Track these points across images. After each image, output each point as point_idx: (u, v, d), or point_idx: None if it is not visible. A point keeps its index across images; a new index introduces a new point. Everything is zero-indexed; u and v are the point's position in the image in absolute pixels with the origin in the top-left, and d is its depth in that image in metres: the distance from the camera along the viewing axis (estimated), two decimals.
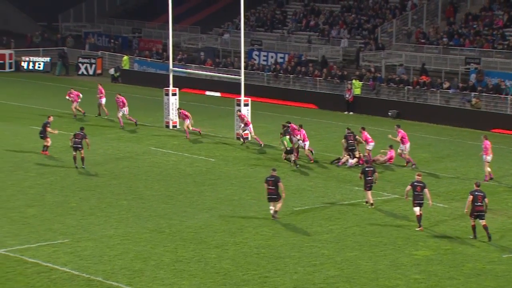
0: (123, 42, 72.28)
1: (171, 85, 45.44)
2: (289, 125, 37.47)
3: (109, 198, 30.62)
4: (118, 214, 28.64)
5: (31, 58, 66.68)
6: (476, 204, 26.15)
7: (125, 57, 64.97)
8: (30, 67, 66.23)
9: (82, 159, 34.75)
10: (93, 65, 65.68)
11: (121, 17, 78.05)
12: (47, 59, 66.79)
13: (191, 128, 41.42)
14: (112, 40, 72.01)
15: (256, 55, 62.77)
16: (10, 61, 66.02)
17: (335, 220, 28.61)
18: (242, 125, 40.74)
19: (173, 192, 31.75)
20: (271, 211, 28.50)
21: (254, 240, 26.14)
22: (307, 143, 37.12)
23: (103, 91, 46.52)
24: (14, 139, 39.60)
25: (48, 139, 36.79)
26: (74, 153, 34.71)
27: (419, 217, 27.43)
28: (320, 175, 35.12)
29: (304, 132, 37.09)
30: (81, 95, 45.61)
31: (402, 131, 36.79)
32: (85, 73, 65.55)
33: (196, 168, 35.78)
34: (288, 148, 36.59)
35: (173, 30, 46.23)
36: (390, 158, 36.85)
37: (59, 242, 25.45)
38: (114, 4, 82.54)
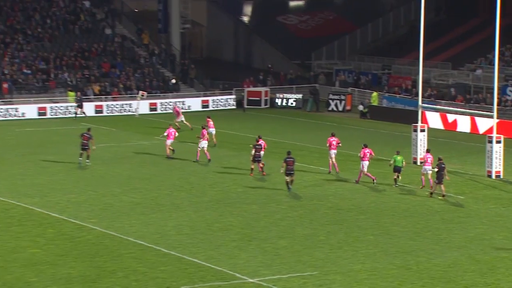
0: (372, 79, 72.46)
1: (419, 121, 44.83)
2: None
3: (356, 232, 30.50)
4: (365, 249, 28.43)
5: (284, 95, 68.40)
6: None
7: (374, 94, 65.02)
8: (283, 104, 67.92)
9: (291, 181, 36.15)
10: (343, 102, 66.27)
11: (371, 54, 78.35)
12: (299, 95, 68.24)
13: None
14: (355, 77, 72.39)
15: (510, 91, 60.60)
16: (266, 98, 68.10)
17: None
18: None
19: (421, 229, 31.09)
20: None
21: (507, 282, 24.96)
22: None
23: (211, 122, 47.35)
24: (267, 173, 40.53)
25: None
26: (287, 179, 36.22)
27: None
28: None
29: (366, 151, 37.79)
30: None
31: None
32: (334, 109, 66.26)
33: (445, 206, 34.89)
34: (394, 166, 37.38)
35: (423, 66, 45.66)
36: None
37: (308, 274, 25.63)
38: (366, 42, 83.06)
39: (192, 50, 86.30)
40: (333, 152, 40.41)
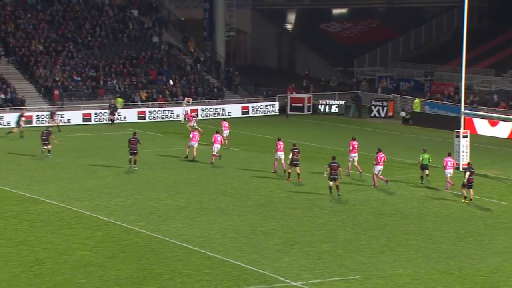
0: (414, 86, 72.02)
1: (462, 127, 44.44)
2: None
3: (398, 237, 30.30)
4: (408, 253, 28.23)
5: (327, 101, 68.26)
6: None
7: (417, 100, 64.57)
8: (326, 110, 67.77)
9: (337, 187, 36.27)
10: (385, 108, 65.90)
11: (414, 61, 77.89)
12: (342, 102, 68.05)
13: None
14: (394, 84, 71.95)
15: None
16: (309, 104, 67.98)
17: None
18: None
19: (463, 234, 30.79)
20: None
21: None
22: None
23: (226, 125, 48.82)
24: (310, 178, 40.52)
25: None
26: (331, 183, 36.26)
27: None
28: None
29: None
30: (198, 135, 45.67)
31: None
32: (377, 115, 65.92)
33: (487, 211, 34.51)
34: (421, 164, 39.03)
35: (466, 73, 45.27)
36: None
37: (351, 278, 25.53)
38: (408, 49, 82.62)
39: (237, 58, 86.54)
40: (354, 155, 40.89)
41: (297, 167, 39.68)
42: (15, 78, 64.44)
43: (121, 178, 40.40)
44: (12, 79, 63.73)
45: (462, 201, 35.92)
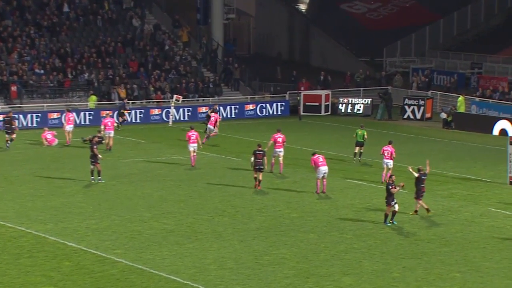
0: (458, 80, 72.10)
1: None
2: None
3: (438, 268, 30.35)
4: None
5: (349, 99, 68.32)
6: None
7: (461, 98, 64.61)
8: (348, 110, 67.85)
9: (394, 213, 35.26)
10: (421, 108, 65.93)
11: (457, 50, 78.01)
12: (368, 100, 68.11)
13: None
14: (426, 78, 72.03)
15: None
16: (326, 103, 68.04)
17: None
18: None
19: None
20: None
21: None
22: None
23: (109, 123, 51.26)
24: (329, 193, 40.58)
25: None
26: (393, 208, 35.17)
27: None
28: None
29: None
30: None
31: None
32: (411, 117, 65.96)
33: None
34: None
35: None
36: None
37: None
38: (450, 35, 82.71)
39: (238, 46, 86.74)
40: (279, 150, 44.10)
41: (261, 172, 41.29)
42: None
43: (93, 195, 40.51)
44: None
45: None
